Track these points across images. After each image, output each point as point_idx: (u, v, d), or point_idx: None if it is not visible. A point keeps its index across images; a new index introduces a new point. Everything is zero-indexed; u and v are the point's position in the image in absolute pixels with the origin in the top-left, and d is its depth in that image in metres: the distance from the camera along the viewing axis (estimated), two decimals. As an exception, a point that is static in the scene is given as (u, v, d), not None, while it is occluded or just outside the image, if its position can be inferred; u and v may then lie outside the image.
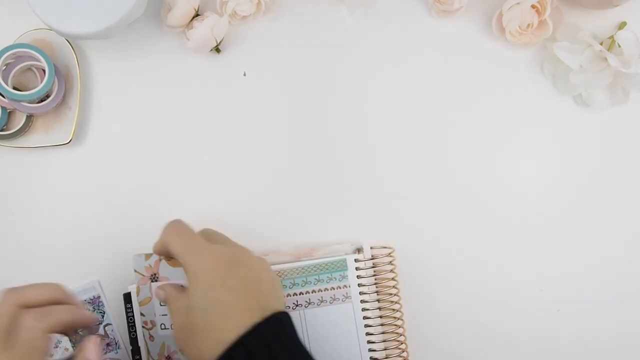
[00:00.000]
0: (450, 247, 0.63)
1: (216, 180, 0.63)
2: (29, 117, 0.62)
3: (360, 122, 0.63)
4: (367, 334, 0.60)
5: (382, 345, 0.60)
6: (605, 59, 0.58)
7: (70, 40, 0.62)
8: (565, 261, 0.63)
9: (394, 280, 0.61)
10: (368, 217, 0.63)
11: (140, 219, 0.63)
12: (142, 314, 0.58)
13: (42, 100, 0.60)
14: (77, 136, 0.63)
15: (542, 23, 0.61)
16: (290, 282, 0.60)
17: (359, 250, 0.62)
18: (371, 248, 0.61)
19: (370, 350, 0.60)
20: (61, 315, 0.49)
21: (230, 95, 0.63)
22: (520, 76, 0.63)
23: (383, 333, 0.61)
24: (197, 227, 0.54)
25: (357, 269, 0.60)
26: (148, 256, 0.57)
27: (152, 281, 0.57)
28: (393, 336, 0.61)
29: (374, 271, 0.61)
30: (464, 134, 0.63)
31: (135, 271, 0.57)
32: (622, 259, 0.63)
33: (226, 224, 0.61)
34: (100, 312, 0.63)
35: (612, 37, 0.61)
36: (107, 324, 0.63)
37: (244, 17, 0.62)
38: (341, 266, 0.60)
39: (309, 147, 0.63)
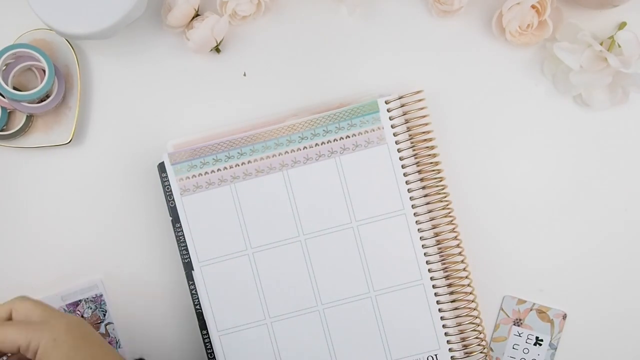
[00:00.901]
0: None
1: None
2: (29, 117, 0.62)
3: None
4: (405, 174, 0.60)
5: (419, 185, 0.60)
6: (605, 59, 0.58)
7: (70, 40, 0.62)
8: (563, 259, 0.64)
9: (426, 124, 0.60)
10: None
11: (141, 217, 0.63)
12: (491, 349, 0.63)
13: (42, 100, 0.61)
14: (77, 136, 0.63)
15: (542, 23, 0.61)
16: (323, 130, 0.60)
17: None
18: (400, 97, 0.61)
19: (409, 190, 0.60)
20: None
21: (230, 96, 0.63)
22: (520, 76, 0.63)
23: (419, 172, 0.60)
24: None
25: (388, 110, 0.60)
26: (521, 302, 0.62)
27: (514, 324, 0.62)
28: (430, 174, 0.60)
29: (404, 113, 0.60)
30: (463, 134, 0.63)
31: (502, 309, 0.62)
32: (620, 258, 0.63)
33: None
34: (102, 311, 0.63)
35: (612, 37, 0.61)
36: (109, 323, 0.63)
37: (244, 17, 0.61)
38: (372, 108, 0.60)
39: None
